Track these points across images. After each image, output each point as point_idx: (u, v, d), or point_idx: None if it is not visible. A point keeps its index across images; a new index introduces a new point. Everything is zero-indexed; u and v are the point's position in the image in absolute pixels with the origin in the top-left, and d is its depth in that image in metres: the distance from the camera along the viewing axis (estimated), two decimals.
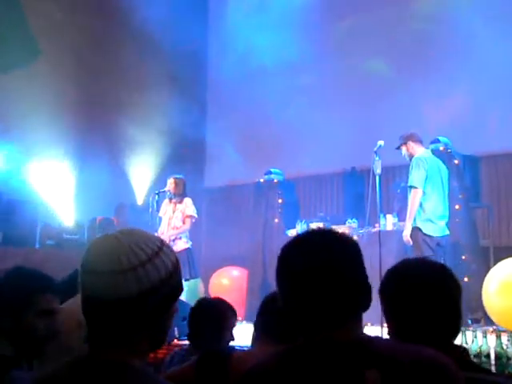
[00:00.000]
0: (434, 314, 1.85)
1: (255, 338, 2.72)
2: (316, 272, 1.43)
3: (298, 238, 1.54)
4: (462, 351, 1.93)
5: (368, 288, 1.50)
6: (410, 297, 1.87)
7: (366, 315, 2.42)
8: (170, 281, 1.44)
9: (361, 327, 1.50)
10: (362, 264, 1.51)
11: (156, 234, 5.72)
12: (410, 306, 1.87)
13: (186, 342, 5.83)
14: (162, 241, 1.49)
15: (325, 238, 1.51)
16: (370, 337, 1.46)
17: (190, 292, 7.99)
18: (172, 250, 1.51)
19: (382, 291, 1.97)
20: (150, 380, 1.39)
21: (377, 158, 6.49)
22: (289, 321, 1.50)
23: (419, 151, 6.67)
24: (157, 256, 1.43)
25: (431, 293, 1.87)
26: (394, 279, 1.97)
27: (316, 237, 1.52)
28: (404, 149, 6.76)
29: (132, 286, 1.37)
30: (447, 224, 6.68)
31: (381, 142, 6.55)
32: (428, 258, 2.15)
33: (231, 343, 3.52)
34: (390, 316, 1.96)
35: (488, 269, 6.96)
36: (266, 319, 2.58)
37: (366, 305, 1.50)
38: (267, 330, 2.56)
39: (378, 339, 1.49)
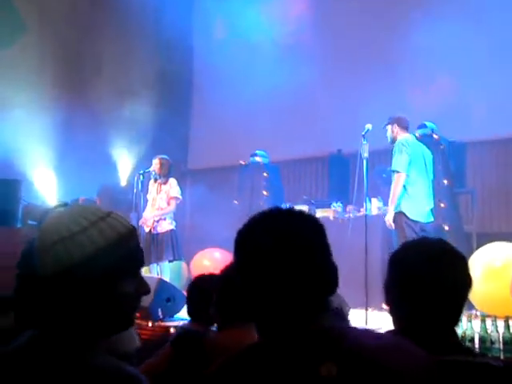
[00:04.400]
0: (442, 303, 1.80)
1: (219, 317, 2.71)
2: (282, 250, 1.34)
3: (259, 217, 1.44)
4: (451, 332, 1.88)
5: (335, 271, 1.41)
6: (419, 285, 1.80)
7: (350, 299, 2.40)
8: (102, 258, 1.34)
9: (328, 315, 1.40)
10: (327, 245, 1.42)
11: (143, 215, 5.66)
12: (417, 294, 1.80)
13: (171, 324, 5.86)
14: (99, 216, 1.39)
15: (289, 216, 1.42)
16: (337, 327, 1.38)
17: (173, 273, 7.98)
18: (112, 226, 1.38)
19: (391, 271, 1.90)
20: (94, 355, 1.34)
21: (364, 142, 6.49)
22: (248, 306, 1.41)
23: (403, 136, 6.68)
24: (82, 232, 1.34)
25: (440, 277, 1.80)
26: (396, 263, 1.90)
27: (279, 215, 1.44)
28: (389, 129, 6.77)
29: (50, 262, 1.31)
30: (432, 210, 6.71)
31: (368, 126, 6.55)
32: (444, 241, 2.06)
33: None
34: (397, 304, 1.89)
35: (471, 254, 7.00)
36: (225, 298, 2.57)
37: (332, 289, 1.41)
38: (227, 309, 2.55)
39: (349, 329, 1.41)
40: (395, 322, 1.90)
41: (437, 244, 1.95)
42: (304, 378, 1.26)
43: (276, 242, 1.35)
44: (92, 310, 1.35)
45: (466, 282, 1.88)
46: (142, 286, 1.44)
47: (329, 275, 1.39)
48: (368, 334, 1.42)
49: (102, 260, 1.34)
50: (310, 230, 1.40)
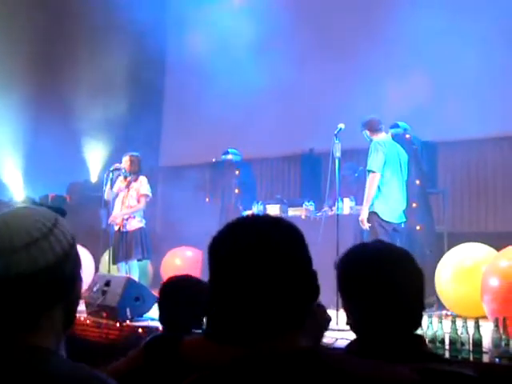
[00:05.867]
0: (391, 305, 1.73)
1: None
2: (244, 256, 1.27)
3: (228, 224, 1.38)
4: (419, 340, 1.85)
5: (312, 281, 1.33)
6: (365, 286, 1.75)
7: (321, 300, 2.35)
8: (68, 258, 1.37)
9: (301, 333, 1.31)
10: (304, 252, 1.34)
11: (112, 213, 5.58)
12: (365, 296, 1.75)
13: (139, 324, 5.77)
14: (56, 219, 1.40)
15: (264, 223, 1.35)
16: (315, 348, 1.30)
17: (141, 272, 7.89)
18: (65, 233, 1.40)
19: (337, 276, 1.84)
20: (64, 362, 1.32)
21: (337, 141, 6.46)
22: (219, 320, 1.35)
23: (378, 137, 6.67)
24: (51, 233, 1.35)
25: (388, 282, 1.74)
26: (347, 264, 1.84)
27: (248, 221, 1.37)
28: (364, 134, 6.78)
29: (23, 265, 1.30)
30: (404, 211, 6.70)
31: (341, 125, 6.51)
32: (385, 242, 2.01)
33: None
34: (346, 304, 1.84)
35: (442, 254, 7.02)
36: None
37: (310, 299, 1.33)
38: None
39: (325, 350, 1.34)
40: (352, 327, 1.85)
41: (374, 246, 1.90)
42: None
43: (250, 250, 1.28)
44: (53, 313, 1.35)
45: (411, 281, 1.79)
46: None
47: (306, 286, 1.32)
48: (345, 359, 1.34)
49: (62, 265, 1.35)
50: (287, 238, 1.33)
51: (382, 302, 1.73)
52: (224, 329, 1.33)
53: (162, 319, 3.15)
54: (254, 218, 1.39)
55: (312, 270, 1.34)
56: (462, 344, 4.21)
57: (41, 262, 1.31)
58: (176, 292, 3.16)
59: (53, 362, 1.29)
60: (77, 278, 1.42)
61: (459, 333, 4.22)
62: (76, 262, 1.42)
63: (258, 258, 1.27)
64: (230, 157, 9.36)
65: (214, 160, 9.42)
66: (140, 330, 5.60)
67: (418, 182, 7.52)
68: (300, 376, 1.21)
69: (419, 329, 3.59)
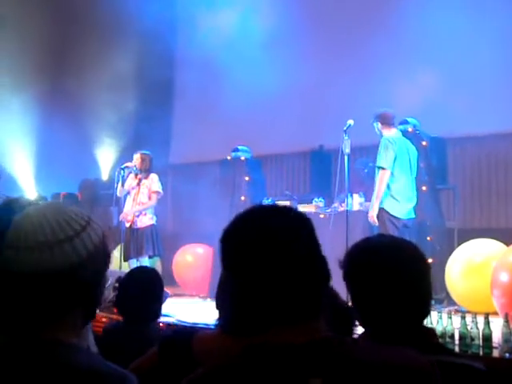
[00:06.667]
0: (398, 295, 1.75)
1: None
2: (251, 246, 1.30)
3: (237, 216, 1.40)
4: (430, 333, 1.86)
5: (323, 265, 1.36)
6: (371, 277, 1.77)
7: None
8: (98, 255, 1.40)
9: (321, 322, 1.32)
10: (314, 238, 1.38)
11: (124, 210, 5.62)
12: (371, 287, 1.78)
13: None
14: (89, 216, 1.44)
15: (272, 211, 1.39)
16: (334, 337, 1.31)
17: None
18: (98, 226, 1.44)
19: (343, 271, 1.86)
20: (87, 357, 1.35)
21: (346, 138, 6.46)
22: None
23: (389, 132, 6.66)
24: (84, 231, 1.38)
25: (394, 272, 1.76)
26: (354, 259, 1.86)
27: (263, 211, 1.41)
28: (375, 126, 6.77)
29: (58, 260, 1.32)
30: (414, 207, 6.70)
31: (350, 122, 6.52)
32: (387, 235, 2.03)
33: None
34: (354, 299, 1.87)
35: (452, 250, 7.02)
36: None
37: (323, 283, 1.36)
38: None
39: (347, 340, 1.34)
40: (361, 322, 1.88)
41: (377, 240, 1.93)
42: None
43: (261, 238, 1.31)
44: (77, 305, 1.38)
45: (416, 271, 1.81)
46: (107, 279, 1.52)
47: (318, 268, 1.35)
48: (358, 348, 1.36)
49: (92, 261, 1.38)
50: (295, 224, 1.36)
51: (388, 294, 1.75)
52: (236, 321, 1.36)
53: (123, 309, 3.20)
54: (261, 208, 1.42)
55: (321, 254, 1.37)
56: (472, 339, 4.22)
57: (74, 258, 1.34)
58: (130, 283, 3.20)
59: (76, 355, 1.32)
60: (103, 276, 1.45)
61: (469, 328, 4.23)
62: (105, 260, 1.44)
63: (265, 246, 1.29)
64: (239, 154, 9.38)
65: (228, 157, 9.42)
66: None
67: (427, 177, 7.51)
68: (313, 366, 1.23)
69: (429, 324, 3.62)
